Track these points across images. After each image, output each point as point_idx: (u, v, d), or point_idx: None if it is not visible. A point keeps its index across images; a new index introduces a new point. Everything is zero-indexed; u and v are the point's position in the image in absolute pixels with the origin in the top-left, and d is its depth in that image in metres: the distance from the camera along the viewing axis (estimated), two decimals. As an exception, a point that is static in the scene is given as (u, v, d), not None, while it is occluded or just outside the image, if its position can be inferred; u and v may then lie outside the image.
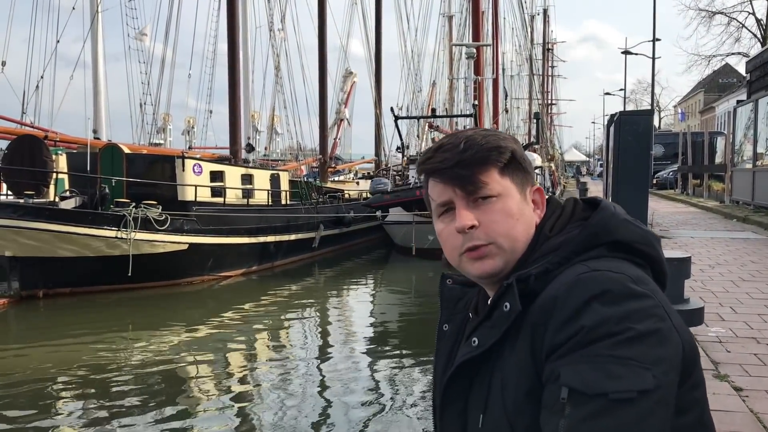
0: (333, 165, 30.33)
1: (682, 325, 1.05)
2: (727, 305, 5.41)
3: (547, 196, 1.26)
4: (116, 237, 13.37)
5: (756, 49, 29.02)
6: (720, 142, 25.88)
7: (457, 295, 1.34)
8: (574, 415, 0.93)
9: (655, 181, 30.40)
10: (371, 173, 32.50)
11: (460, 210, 1.15)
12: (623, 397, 0.92)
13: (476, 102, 24.15)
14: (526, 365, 1.04)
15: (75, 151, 16.86)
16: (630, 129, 9.97)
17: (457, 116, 29.16)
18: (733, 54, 41.43)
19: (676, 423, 0.99)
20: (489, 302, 1.13)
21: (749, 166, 15.71)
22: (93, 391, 7.96)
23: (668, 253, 2.61)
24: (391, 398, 7.69)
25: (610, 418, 0.91)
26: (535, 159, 28.85)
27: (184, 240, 14.54)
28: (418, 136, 29.42)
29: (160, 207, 14.09)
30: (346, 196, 25.39)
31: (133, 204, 13.73)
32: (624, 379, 0.92)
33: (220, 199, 16.38)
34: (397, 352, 9.84)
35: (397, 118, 23.22)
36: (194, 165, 15.89)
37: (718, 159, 24.15)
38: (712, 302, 5.52)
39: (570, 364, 0.96)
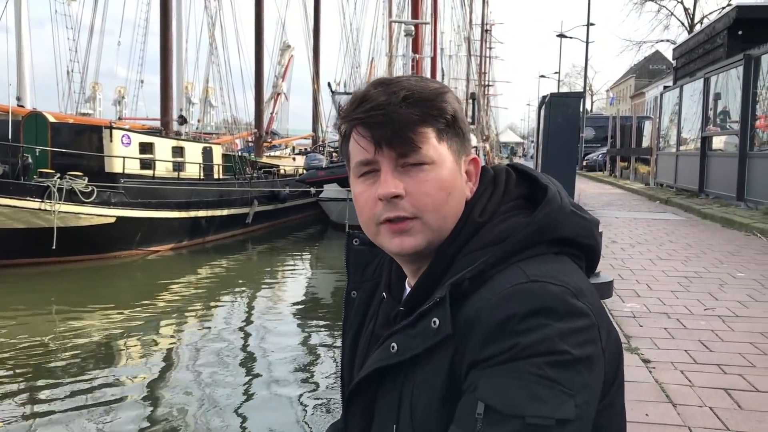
0: (269, 140, 29.95)
1: (609, 327, 0.97)
2: (644, 282, 5.62)
3: (499, 167, 1.13)
4: (40, 209, 12.92)
5: (683, 36, 29.98)
6: (647, 127, 26.72)
7: (365, 259, 1.23)
8: None
9: (585, 163, 31.24)
10: (308, 149, 32.25)
11: (386, 174, 0.99)
12: (540, 423, 0.83)
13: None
14: (442, 380, 0.94)
15: (-4, 118, 16.16)
16: (560, 110, 10.19)
17: (394, 94, 29.14)
18: (662, 41, 42.74)
19: None
20: (418, 312, 0.98)
21: (673, 150, 16.30)
22: (11, 368, 7.72)
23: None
24: (322, 375, 7.72)
25: None
26: (471, 139, 29.19)
27: (111, 213, 14.16)
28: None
29: (87, 178, 13.67)
30: (282, 171, 25.13)
31: (58, 175, 13.27)
32: (546, 403, 0.83)
33: (149, 172, 16.00)
34: (330, 329, 9.87)
35: (334, 93, 23.11)
36: (123, 136, 15.45)
37: (645, 143, 24.94)
38: (630, 279, 5.73)
39: (493, 377, 0.87)
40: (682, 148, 15.63)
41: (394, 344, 1.00)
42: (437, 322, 0.94)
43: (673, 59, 19.78)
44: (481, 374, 0.88)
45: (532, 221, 0.98)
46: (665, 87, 19.37)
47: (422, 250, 1.02)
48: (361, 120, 1.00)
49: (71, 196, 13.30)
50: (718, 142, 13.39)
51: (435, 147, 0.99)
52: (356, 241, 1.25)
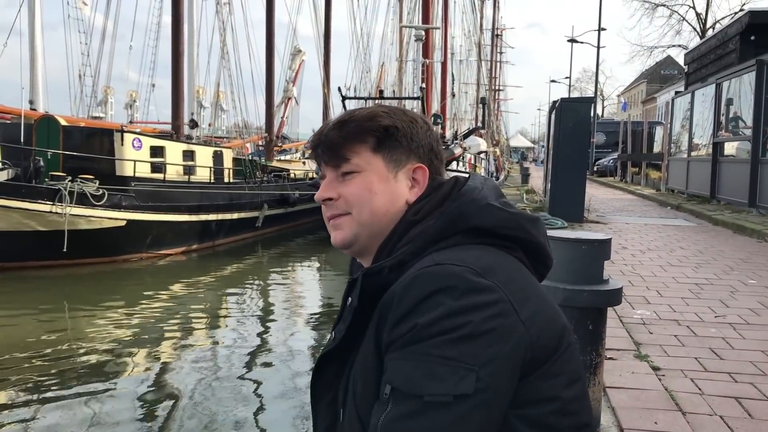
0: (279, 144, 30.02)
1: (539, 313, 1.01)
2: (654, 289, 5.58)
3: (450, 178, 1.21)
4: (51, 211, 12.99)
5: (695, 41, 29.85)
6: (658, 132, 26.59)
7: (357, 266, 1.30)
8: (390, 414, 0.92)
9: (595, 168, 31.09)
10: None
11: (324, 183, 1.19)
12: (438, 400, 0.89)
13: (424, 85, 24.24)
14: (372, 360, 1.02)
15: (8, 121, 16.28)
16: (570, 115, 10.17)
17: (404, 98, 29.14)
18: (674, 46, 42.50)
19: (527, 413, 0.96)
20: (344, 300, 1.14)
21: (684, 155, 16.21)
22: (24, 369, 7.75)
23: (591, 235, 2.67)
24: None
25: (422, 420, 0.89)
26: (481, 144, 29.12)
27: (122, 216, 14.22)
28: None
29: (98, 181, 13.74)
30: (292, 175, 25.17)
31: (70, 178, 13.35)
32: (444, 381, 0.89)
33: (160, 175, 16.06)
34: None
35: (344, 98, 23.11)
36: (134, 139, 15.52)
37: (656, 148, 24.83)
38: (640, 286, 5.69)
39: (396, 359, 0.94)
40: (693, 153, 15.54)
41: (333, 333, 1.15)
42: (350, 300, 1.08)
43: (685, 64, 19.69)
44: (389, 357, 0.96)
45: (443, 212, 1.09)
46: (677, 92, 19.27)
47: (351, 244, 1.18)
48: (310, 145, 1.25)
49: (82, 199, 13.37)
50: (729, 147, 13.31)
51: (365, 158, 1.16)
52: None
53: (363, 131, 1.16)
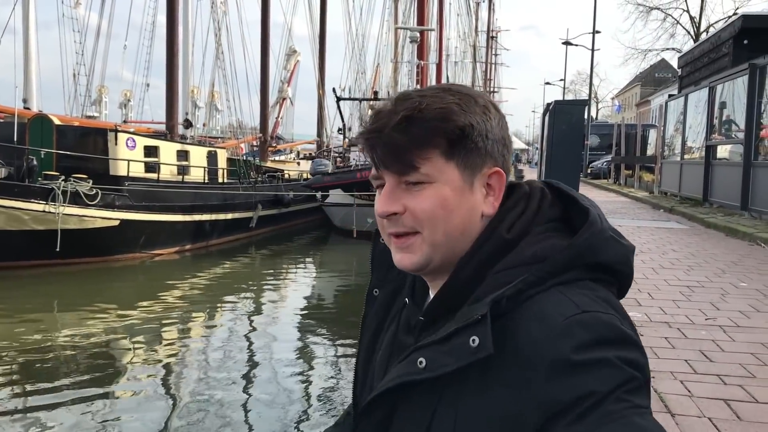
0: (274, 144, 30.03)
1: None
2: (645, 291, 5.61)
3: (512, 180, 1.10)
4: (44, 211, 12.96)
5: (689, 45, 29.98)
6: (652, 135, 26.68)
7: (390, 261, 1.14)
8: None
9: (589, 171, 31.17)
10: (313, 154, 32.33)
11: (385, 192, 1.02)
12: None
13: (418, 87, 24.23)
14: (504, 418, 0.89)
15: (2, 120, 16.23)
16: (564, 118, 10.22)
17: (399, 100, 29.17)
18: (668, 49, 42.66)
19: None
20: (454, 329, 0.93)
21: (677, 158, 16.27)
22: (16, 370, 7.73)
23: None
24: (324, 379, 7.72)
25: None
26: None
27: (115, 216, 14.21)
28: (360, 119, 29.41)
29: (91, 181, 13.72)
30: (286, 176, 25.18)
31: (63, 177, 13.32)
32: (650, 428, 0.83)
33: (153, 175, 16.05)
34: (333, 333, 9.86)
35: (339, 99, 23.15)
36: (127, 139, 15.51)
37: (649, 151, 24.91)
38: (632, 288, 5.61)
39: (597, 427, 0.83)
40: (686, 156, 15.60)
41: (422, 359, 0.96)
42: (476, 340, 0.90)
43: (679, 68, 19.78)
44: (578, 427, 0.83)
45: (573, 244, 0.96)
46: (670, 95, 19.35)
47: (423, 268, 1.03)
48: (363, 140, 1.03)
49: (75, 199, 13.35)
50: (722, 151, 13.36)
51: (437, 166, 0.99)
52: (383, 240, 1.19)
53: (435, 133, 0.99)
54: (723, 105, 13.31)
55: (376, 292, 1.24)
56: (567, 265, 0.94)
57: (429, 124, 0.98)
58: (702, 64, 16.07)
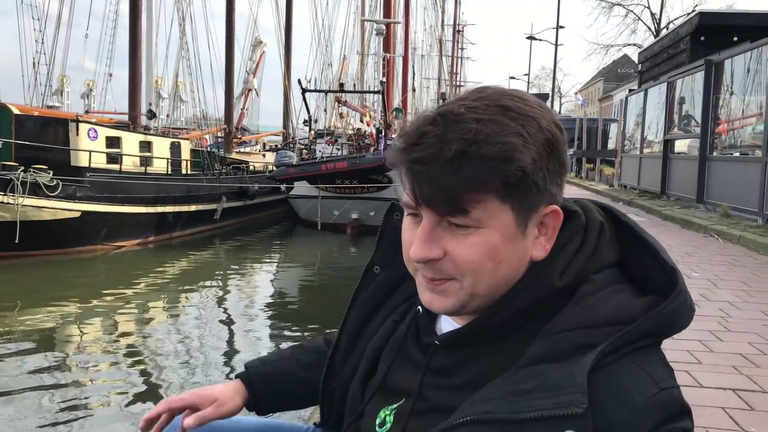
0: (239, 136, 29.81)
1: None
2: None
3: (566, 201, 0.96)
4: (2, 202, 12.74)
5: (650, 41, 30.48)
6: (613, 129, 27.12)
7: (400, 242, 1.00)
8: None
9: (553, 164, 31.56)
10: (279, 146, 32.18)
11: (423, 233, 0.87)
12: None
13: (384, 79, 24.32)
14: None
15: (-43, 109, 15.86)
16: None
17: (365, 92, 29.21)
18: (629, 45, 43.27)
19: None
20: (538, 414, 0.80)
21: (637, 152, 16.60)
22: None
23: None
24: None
25: None
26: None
27: (76, 207, 14.01)
28: (326, 111, 29.35)
29: (51, 172, 13.51)
30: (252, 168, 25.03)
31: (22, 168, 13.09)
32: None
33: (116, 166, 15.86)
34: (298, 329, 9.87)
35: (304, 90, 23.07)
36: (89, 129, 15.30)
37: (611, 145, 25.32)
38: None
39: None
40: (646, 150, 15.92)
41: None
42: None
43: (639, 63, 20.12)
44: None
45: (660, 313, 0.86)
46: (630, 90, 19.71)
47: (454, 313, 0.93)
48: (405, 168, 0.86)
49: (35, 190, 13.14)
50: (680, 145, 13.67)
51: (489, 210, 0.85)
52: (398, 216, 1.10)
53: (494, 176, 0.83)
54: (682, 100, 13.60)
55: (376, 269, 1.16)
56: (647, 334, 0.86)
57: (488, 164, 0.82)
58: (661, 60, 16.38)
